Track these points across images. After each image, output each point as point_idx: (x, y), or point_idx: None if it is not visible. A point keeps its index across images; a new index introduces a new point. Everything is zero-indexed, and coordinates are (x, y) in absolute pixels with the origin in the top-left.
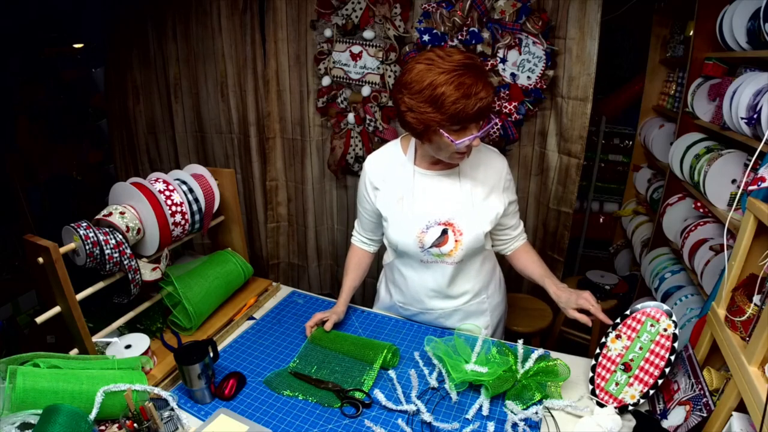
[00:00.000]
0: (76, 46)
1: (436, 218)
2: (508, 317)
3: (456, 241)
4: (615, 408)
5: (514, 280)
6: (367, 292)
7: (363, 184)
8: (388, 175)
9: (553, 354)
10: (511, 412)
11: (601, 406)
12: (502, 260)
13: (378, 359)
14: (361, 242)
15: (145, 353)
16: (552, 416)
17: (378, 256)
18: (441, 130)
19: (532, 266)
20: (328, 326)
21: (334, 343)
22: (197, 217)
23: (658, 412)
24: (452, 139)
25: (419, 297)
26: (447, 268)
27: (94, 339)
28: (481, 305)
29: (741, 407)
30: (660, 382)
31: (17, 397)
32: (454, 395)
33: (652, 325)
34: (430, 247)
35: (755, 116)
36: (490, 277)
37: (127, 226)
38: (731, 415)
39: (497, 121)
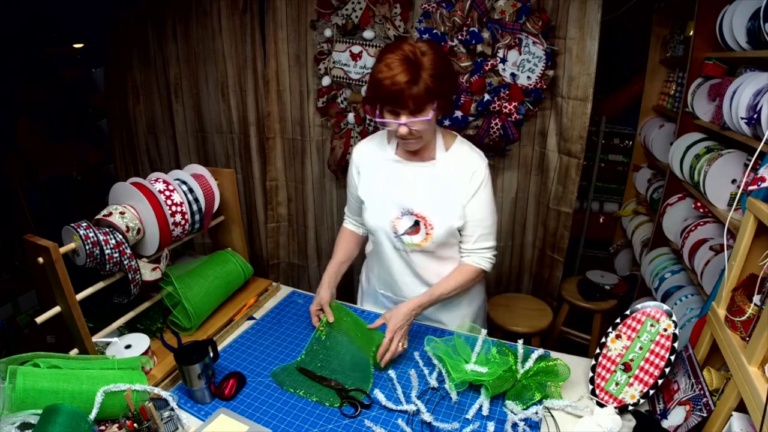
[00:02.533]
0: (76, 46)
1: (409, 208)
2: (508, 317)
3: (427, 234)
4: (615, 408)
5: (514, 281)
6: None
7: (350, 169)
8: (370, 161)
9: (553, 354)
10: (511, 412)
11: (601, 406)
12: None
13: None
14: (351, 224)
15: (145, 353)
16: (552, 416)
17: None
18: (376, 110)
19: (443, 280)
20: (330, 318)
21: (341, 329)
22: (197, 217)
23: (658, 412)
24: (378, 117)
25: (395, 284)
26: (419, 258)
27: (94, 339)
28: (457, 296)
29: (741, 407)
30: (660, 382)
31: (17, 397)
32: (454, 395)
33: (652, 325)
34: (403, 234)
35: (755, 116)
36: None
37: (127, 226)
38: (731, 415)
39: (497, 121)
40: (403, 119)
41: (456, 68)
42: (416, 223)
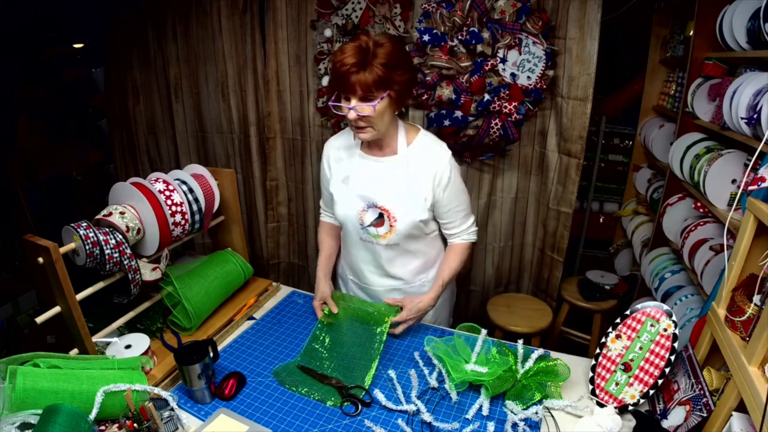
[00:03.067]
0: (76, 46)
1: (374, 201)
2: (508, 317)
3: (391, 226)
4: (615, 408)
5: (514, 281)
6: None
7: (322, 163)
8: (339, 156)
9: (553, 354)
10: (511, 412)
11: (601, 406)
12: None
13: (384, 327)
14: (328, 217)
15: (145, 353)
16: (552, 416)
17: None
18: (333, 95)
19: (443, 264)
20: (333, 308)
21: (342, 321)
22: (197, 217)
23: (658, 412)
24: (332, 101)
25: (361, 272)
26: (383, 249)
27: (94, 339)
28: (422, 288)
29: (741, 407)
30: (660, 382)
31: (17, 397)
32: (454, 395)
33: (652, 325)
34: (368, 225)
35: (755, 116)
36: (432, 261)
37: (127, 226)
38: (731, 415)
39: (497, 121)
40: (353, 103)
41: (456, 68)
42: (380, 216)
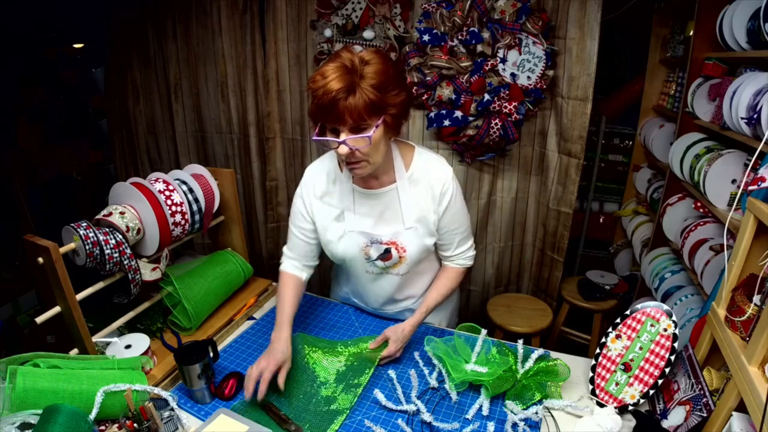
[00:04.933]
0: (76, 46)
1: (378, 238)
2: (508, 317)
3: (400, 257)
4: (615, 408)
5: (514, 281)
6: None
7: (300, 198)
8: (326, 190)
9: (553, 354)
10: (511, 412)
11: (601, 406)
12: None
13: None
14: (293, 267)
15: (145, 353)
16: (552, 416)
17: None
18: (317, 128)
19: (432, 288)
20: (281, 381)
21: (310, 365)
22: (197, 217)
23: (658, 412)
24: (316, 135)
25: (368, 300)
26: (394, 279)
27: (94, 339)
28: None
29: (741, 407)
30: (660, 382)
31: (17, 397)
32: (454, 395)
33: (652, 325)
34: (376, 259)
35: (755, 116)
36: (435, 275)
37: (127, 226)
38: (731, 415)
39: (497, 121)
40: (343, 137)
41: (456, 68)
42: (387, 251)
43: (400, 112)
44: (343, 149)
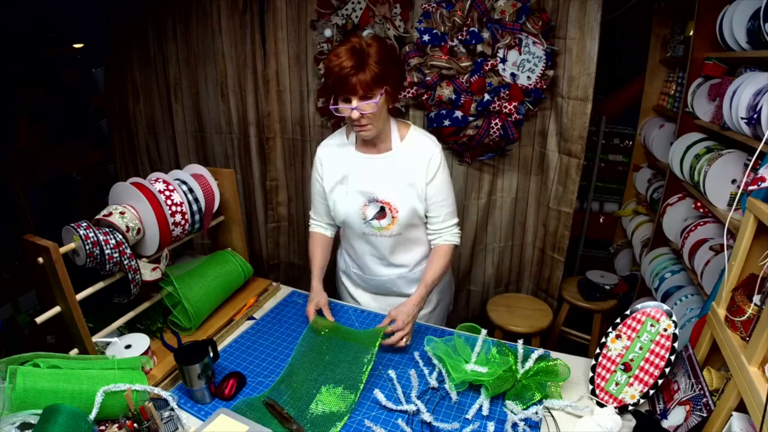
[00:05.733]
0: (76, 46)
1: (374, 196)
2: (508, 317)
3: (393, 217)
4: (615, 408)
5: (514, 281)
6: None
7: (314, 171)
8: (333, 158)
9: (553, 354)
10: (511, 412)
11: (601, 406)
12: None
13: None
14: (319, 227)
15: (145, 353)
16: (552, 416)
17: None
18: (332, 98)
19: (427, 267)
20: (327, 315)
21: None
22: (197, 217)
23: (658, 412)
24: (332, 104)
25: (365, 264)
26: (386, 240)
27: (94, 339)
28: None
29: (741, 407)
30: (660, 382)
31: (17, 397)
32: (454, 395)
33: (652, 325)
34: (371, 219)
35: (755, 116)
36: (426, 251)
37: (127, 226)
38: (731, 415)
39: (497, 121)
40: (355, 104)
41: (456, 68)
42: (382, 209)
43: (397, 83)
44: (355, 114)
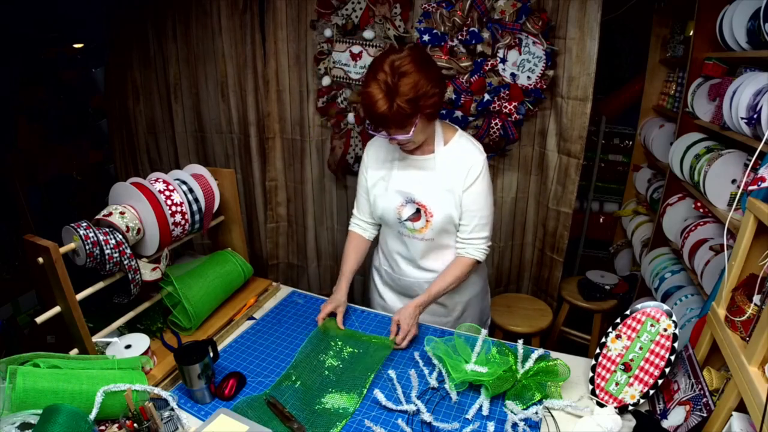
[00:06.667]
0: (76, 46)
1: (412, 197)
2: (508, 317)
3: (427, 221)
4: (615, 408)
5: (514, 281)
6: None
7: (362, 164)
8: (379, 153)
9: (553, 354)
10: (511, 412)
11: (601, 406)
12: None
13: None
14: (359, 227)
15: (145, 353)
16: (552, 416)
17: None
18: (369, 124)
19: (440, 275)
20: (339, 321)
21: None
22: (197, 217)
23: (658, 412)
24: (371, 129)
25: (396, 263)
26: (419, 243)
27: (94, 339)
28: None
29: (741, 407)
30: (660, 382)
31: (17, 397)
32: (454, 395)
33: (652, 325)
34: (406, 219)
35: (755, 116)
36: None
37: (127, 226)
38: (731, 415)
39: (497, 121)
40: (391, 133)
41: (456, 68)
42: (417, 211)
43: (434, 108)
44: (393, 142)
